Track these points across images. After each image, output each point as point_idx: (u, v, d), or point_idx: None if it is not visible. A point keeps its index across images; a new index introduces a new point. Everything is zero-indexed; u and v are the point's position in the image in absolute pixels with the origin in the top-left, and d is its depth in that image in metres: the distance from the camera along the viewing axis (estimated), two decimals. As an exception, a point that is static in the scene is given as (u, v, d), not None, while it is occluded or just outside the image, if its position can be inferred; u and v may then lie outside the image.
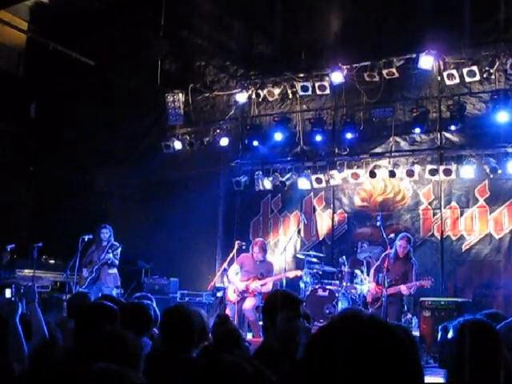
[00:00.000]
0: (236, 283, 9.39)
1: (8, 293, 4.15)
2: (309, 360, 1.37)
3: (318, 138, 11.37)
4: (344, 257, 10.30)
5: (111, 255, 9.86)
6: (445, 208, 10.66)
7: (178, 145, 12.33)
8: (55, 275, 11.22)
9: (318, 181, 11.32)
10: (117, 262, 9.97)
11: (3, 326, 3.51)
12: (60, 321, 5.54)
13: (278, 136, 11.69)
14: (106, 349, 2.42)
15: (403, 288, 8.68)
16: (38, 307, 4.32)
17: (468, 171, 10.19)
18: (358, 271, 9.89)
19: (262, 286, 9.35)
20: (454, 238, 10.57)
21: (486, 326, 3.04)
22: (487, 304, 9.73)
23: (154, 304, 4.94)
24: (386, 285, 8.47)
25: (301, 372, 1.39)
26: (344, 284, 9.73)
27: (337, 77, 10.92)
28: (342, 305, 9.51)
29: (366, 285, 9.38)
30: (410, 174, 10.61)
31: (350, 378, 1.28)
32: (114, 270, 10.01)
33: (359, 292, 9.67)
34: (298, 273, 9.79)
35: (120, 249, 10.00)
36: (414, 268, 8.89)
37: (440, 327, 4.04)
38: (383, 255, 9.19)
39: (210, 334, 4.29)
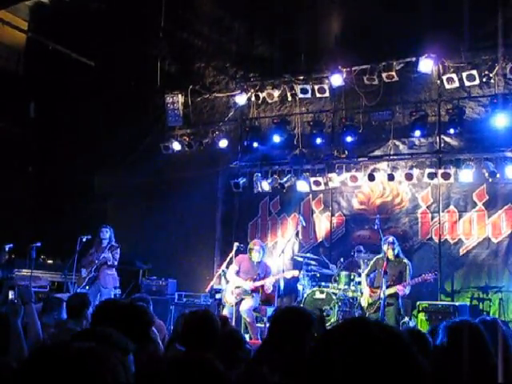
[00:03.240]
0: (237, 281, 9.30)
1: (11, 294, 4.14)
2: (315, 362, 1.38)
3: (317, 140, 11.38)
4: (342, 259, 10.31)
5: (110, 255, 9.85)
6: (443, 212, 10.66)
7: (176, 146, 12.32)
8: (53, 275, 11.22)
9: (317, 183, 11.31)
10: (116, 262, 9.96)
11: (5, 326, 3.51)
12: (58, 321, 5.54)
13: (277, 138, 11.70)
14: None
15: (399, 288, 8.61)
16: (34, 308, 4.32)
17: (466, 175, 10.19)
18: (355, 274, 9.89)
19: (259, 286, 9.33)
20: (452, 242, 10.58)
21: (469, 327, 3.07)
22: (484, 308, 9.76)
23: (151, 307, 4.94)
24: (384, 287, 8.47)
25: (306, 373, 1.40)
26: (341, 286, 9.73)
27: (336, 79, 10.92)
28: (339, 307, 9.52)
29: (364, 288, 9.28)
30: (409, 177, 10.61)
31: (354, 379, 1.30)
32: (113, 271, 10.00)
33: (356, 295, 9.65)
34: (296, 273, 9.74)
35: (119, 250, 10.00)
36: (408, 268, 8.85)
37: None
38: (375, 259, 9.19)
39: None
